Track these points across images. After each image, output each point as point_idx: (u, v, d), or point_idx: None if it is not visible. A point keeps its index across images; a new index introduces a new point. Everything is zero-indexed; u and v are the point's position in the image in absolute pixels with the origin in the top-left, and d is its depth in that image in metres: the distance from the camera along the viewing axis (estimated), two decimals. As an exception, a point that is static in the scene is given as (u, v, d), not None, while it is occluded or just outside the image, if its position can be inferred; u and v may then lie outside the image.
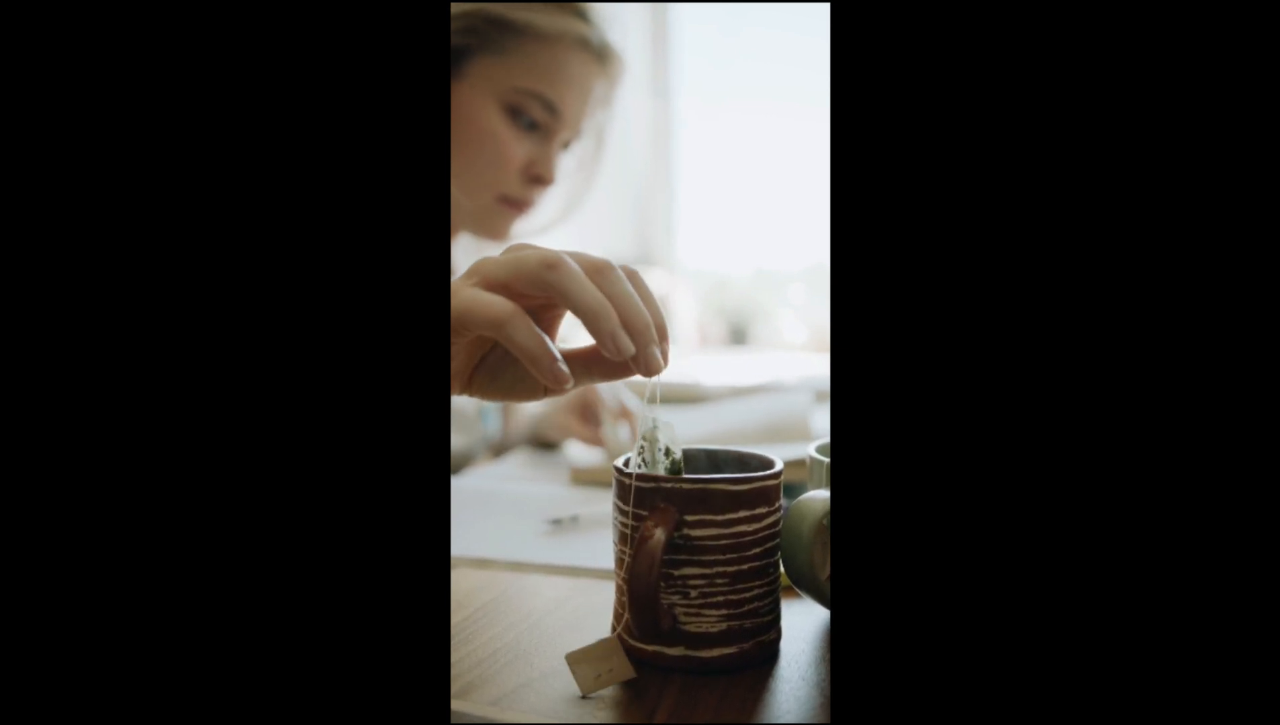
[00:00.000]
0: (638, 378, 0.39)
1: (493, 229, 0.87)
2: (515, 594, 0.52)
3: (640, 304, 0.38)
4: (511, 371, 0.43)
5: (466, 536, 0.62)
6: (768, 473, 0.41)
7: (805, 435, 0.89)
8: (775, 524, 0.42)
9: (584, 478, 0.81)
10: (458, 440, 0.98)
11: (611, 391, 0.92)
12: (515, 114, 0.80)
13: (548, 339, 0.38)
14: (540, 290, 0.38)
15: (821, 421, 0.98)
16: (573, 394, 0.88)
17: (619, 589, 0.43)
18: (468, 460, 0.99)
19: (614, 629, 0.44)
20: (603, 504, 0.70)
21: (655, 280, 3.00)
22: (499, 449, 1.04)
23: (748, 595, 0.41)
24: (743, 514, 0.40)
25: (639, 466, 0.42)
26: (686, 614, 0.40)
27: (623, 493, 0.42)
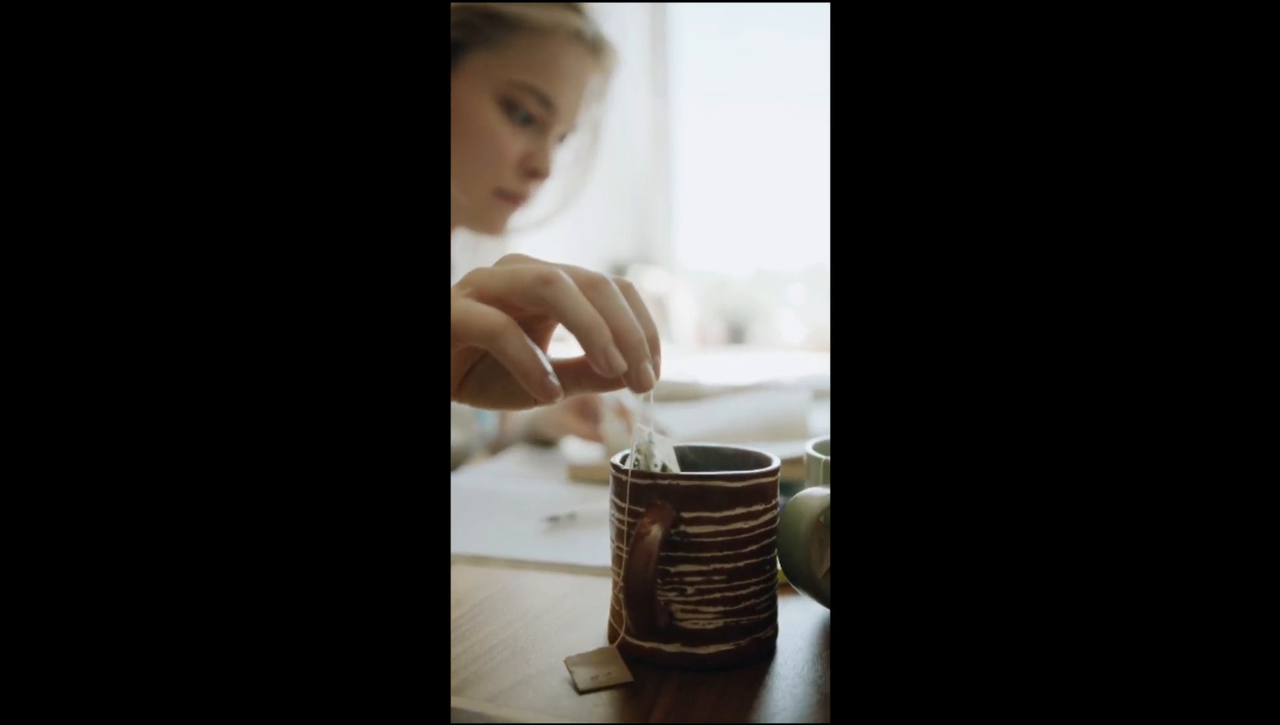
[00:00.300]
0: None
1: (489, 224, 0.87)
2: (513, 591, 0.52)
3: (634, 319, 0.38)
4: (501, 382, 0.43)
5: (464, 534, 0.62)
6: (764, 470, 0.41)
7: (803, 434, 0.89)
8: (772, 521, 0.42)
9: (582, 475, 0.81)
10: (455, 437, 0.98)
11: None
12: (510, 108, 0.80)
13: (539, 352, 0.38)
14: (535, 305, 0.38)
15: (819, 420, 0.98)
16: None
17: (616, 586, 0.43)
18: (465, 457, 0.99)
19: (610, 626, 0.43)
20: (600, 502, 0.70)
21: (654, 280, 3.00)
22: (496, 446, 1.04)
23: (744, 592, 0.41)
24: (739, 511, 0.40)
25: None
26: (683, 611, 0.40)
27: (620, 489, 0.42)
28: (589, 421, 0.91)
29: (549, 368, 0.38)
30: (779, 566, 0.43)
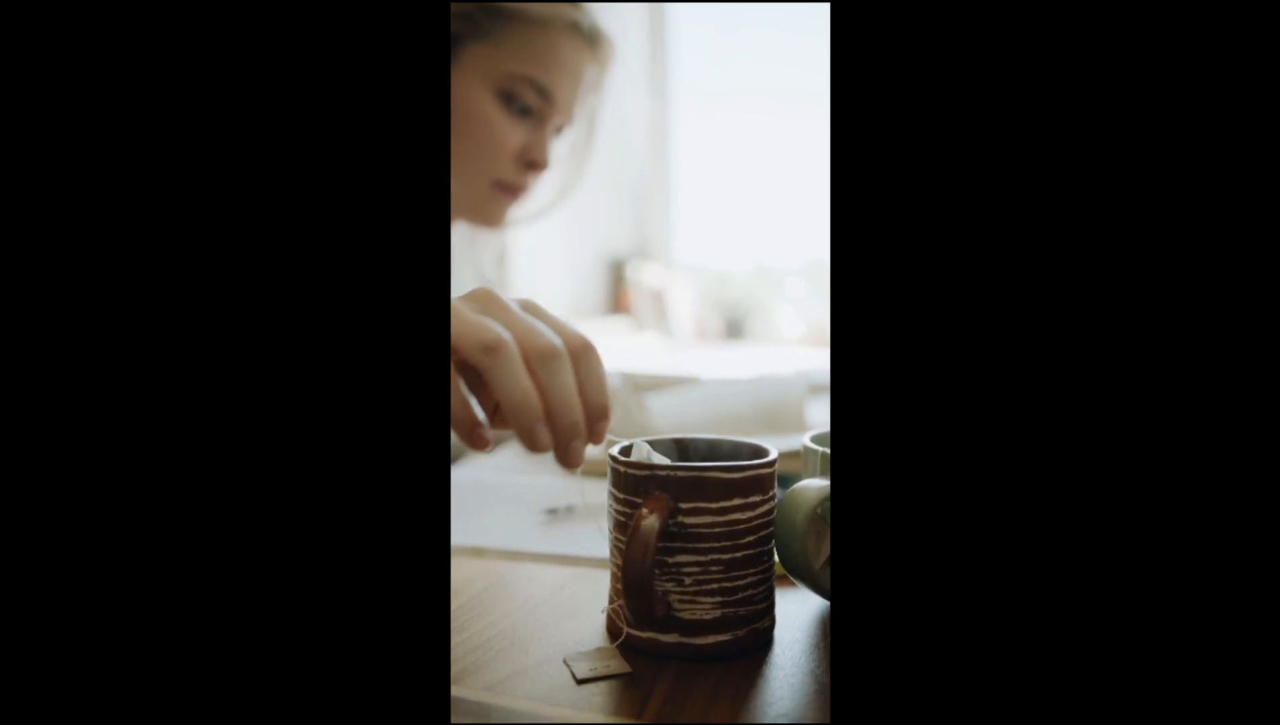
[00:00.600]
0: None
1: (488, 215, 0.87)
2: (511, 582, 0.52)
3: (573, 398, 0.38)
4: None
5: (463, 526, 0.62)
6: (762, 461, 0.41)
7: (799, 425, 0.89)
8: (769, 512, 0.42)
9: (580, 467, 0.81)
10: (454, 432, 0.98)
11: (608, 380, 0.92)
12: (508, 99, 0.80)
13: (475, 402, 0.37)
14: (473, 365, 0.37)
15: (816, 413, 0.98)
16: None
17: (614, 576, 0.43)
18: (464, 450, 0.99)
19: (607, 614, 0.44)
20: (599, 494, 0.71)
21: (653, 274, 3.00)
22: (495, 440, 1.04)
23: (742, 583, 0.41)
24: (737, 502, 0.40)
25: None
26: (681, 601, 0.40)
27: (617, 480, 0.42)
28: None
29: (482, 419, 0.37)
30: (776, 558, 0.43)
